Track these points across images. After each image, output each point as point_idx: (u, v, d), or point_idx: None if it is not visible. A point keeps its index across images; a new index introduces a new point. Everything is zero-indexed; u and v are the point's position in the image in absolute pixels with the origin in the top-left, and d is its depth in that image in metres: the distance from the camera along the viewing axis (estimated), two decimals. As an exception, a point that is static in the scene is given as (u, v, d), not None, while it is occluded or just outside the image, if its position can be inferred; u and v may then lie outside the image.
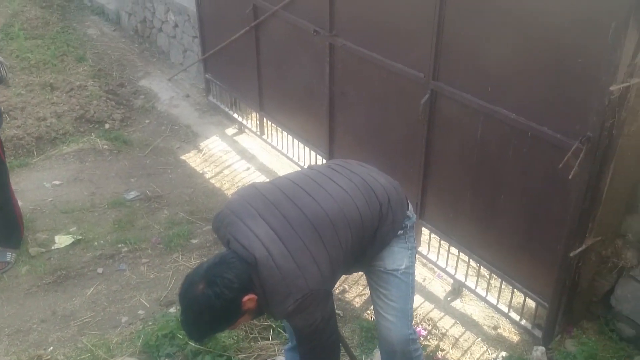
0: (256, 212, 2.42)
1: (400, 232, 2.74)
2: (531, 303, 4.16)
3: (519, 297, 4.23)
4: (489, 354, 4.09)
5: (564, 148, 3.43)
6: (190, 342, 3.60)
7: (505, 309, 4.28)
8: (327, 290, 2.43)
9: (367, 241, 2.61)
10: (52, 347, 4.08)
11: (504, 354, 4.01)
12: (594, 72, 3.19)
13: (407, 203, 2.82)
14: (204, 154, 6.65)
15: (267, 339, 3.89)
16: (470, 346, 4.19)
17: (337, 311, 3.85)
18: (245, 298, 2.31)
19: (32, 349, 4.03)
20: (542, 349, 3.91)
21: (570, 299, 3.95)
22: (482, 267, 4.39)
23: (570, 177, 3.38)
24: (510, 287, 4.21)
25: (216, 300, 2.23)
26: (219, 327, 2.45)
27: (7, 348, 4.08)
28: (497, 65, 3.74)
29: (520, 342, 4.18)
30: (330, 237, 2.42)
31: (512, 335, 4.27)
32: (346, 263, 2.55)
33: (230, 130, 7.07)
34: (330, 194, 2.52)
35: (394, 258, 2.70)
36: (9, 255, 4.89)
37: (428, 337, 4.22)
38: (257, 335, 3.91)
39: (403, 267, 2.71)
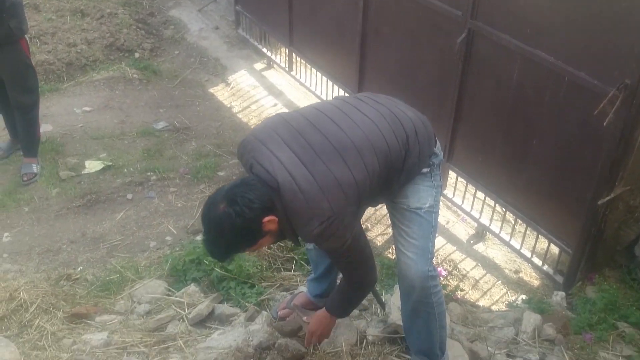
0: (280, 139, 2.41)
1: (426, 169, 2.69)
2: (555, 249, 4.16)
3: (542, 243, 4.23)
4: (508, 296, 4.14)
5: (600, 94, 3.36)
6: (215, 268, 3.69)
7: (528, 254, 4.30)
8: (353, 212, 2.40)
9: (395, 172, 2.54)
10: (81, 267, 4.20)
11: (523, 296, 4.05)
12: (638, 17, 3.09)
13: (435, 139, 2.77)
14: (232, 87, 6.63)
15: (290, 270, 3.96)
16: (490, 288, 4.24)
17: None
18: (266, 219, 2.30)
19: (62, 268, 4.15)
20: (562, 294, 3.94)
21: (595, 246, 3.95)
22: (507, 212, 4.39)
23: (604, 124, 3.32)
24: (535, 233, 4.21)
25: (237, 218, 2.24)
26: (240, 247, 2.43)
27: (38, 266, 4.22)
28: (538, 6, 3.63)
29: (540, 287, 4.21)
30: (355, 162, 2.38)
31: (533, 279, 4.30)
32: (372, 191, 2.49)
33: (258, 65, 7.02)
34: (355, 122, 2.50)
35: (419, 196, 2.67)
36: (35, 167, 5.06)
37: (448, 278, 4.27)
38: (280, 266, 3.99)
39: (427, 205, 2.66)
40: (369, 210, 4.51)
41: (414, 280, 2.61)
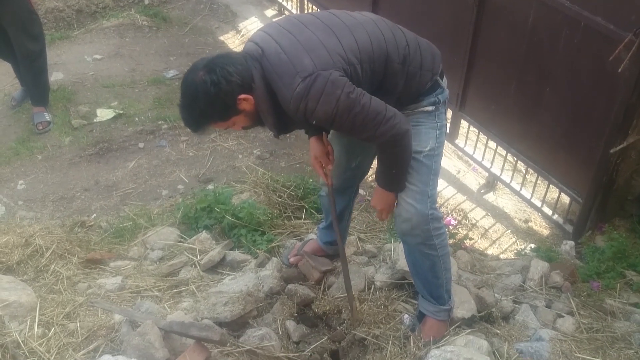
0: (277, 24, 2.45)
1: (430, 107, 2.60)
2: (565, 199, 4.16)
3: (553, 193, 4.23)
4: (517, 245, 4.16)
5: (616, 40, 3.28)
6: (226, 216, 3.73)
7: (539, 204, 4.30)
8: (342, 70, 2.29)
9: (394, 70, 2.45)
10: (95, 214, 4.27)
11: (532, 245, 4.07)
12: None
13: (442, 69, 2.66)
14: (243, 35, 6.56)
15: (300, 218, 3.99)
16: (500, 237, 4.26)
17: (360, 191, 3.88)
18: (242, 96, 2.30)
19: (76, 215, 4.23)
20: (571, 243, 3.95)
21: (605, 196, 3.94)
22: (519, 162, 4.37)
23: (619, 70, 3.26)
24: (546, 183, 4.20)
25: (211, 87, 2.23)
26: (211, 117, 2.37)
27: (52, 213, 4.29)
28: (555, -52, 3.53)
29: (550, 236, 4.23)
30: (344, 33, 2.37)
31: (542, 229, 4.32)
32: (367, 77, 2.40)
33: (269, 12, 6.92)
34: (353, 15, 2.50)
35: (419, 139, 2.58)
36: (47, 115, 5.11)
37: (457, 227, 4.29)
38: (291, 214, 4.02)
39: (427, 149, 2.59)
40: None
41: (415, 224, 2.60)
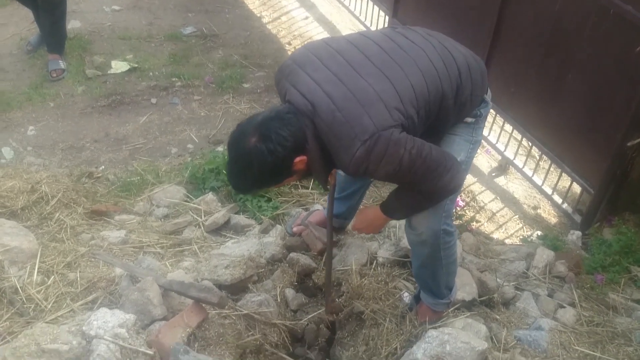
0: (318, 60, 2.22)
1: (471, 119, 2.46)
2: (576, 188, 4.10)
3: (565, 181, 4.17)
4: (523, 232, 4.12)
5: (645, 31, 3.21)
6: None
7: (549, 191, 4.25)
8: (401, 126, 2.13)
9: (447, 107, 2.29)
10: (103, 167, 4.26)
11: (539, 232, 4.03)
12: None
13: (487, 85, 2.51)
14: (262, -6, 6.46)
15: (307, 188, 3.96)
16: (507, 222, 4.22)
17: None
18: (297, 159, 2.14)
19: (84, 166, 4.21)
20: (578, 233, 3.91)
21: (618, 188, 3.88)
22: (533, 147, 4.31)
23: (646, 62, 3.19)
24: (559, 170, 4.14)
25: (268, 156, 2.07)
26: (265, 184, 2.30)
27: (61, 162, 4.28)
28: None
29: (557, 225, 4.18)
30: (399, 77, 2.17)
31: (550, 217, 4.27)
32: (422, 121, 2.23)
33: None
34: (401, 46, 2.28)
35: (452, 149, 2.43)
36: (61, 63, 5.07)
37: (465, 208, 4.25)
38: (298, 182, 3.99)
39: (462, 156, 2.44)
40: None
41: (425, 238, 2.50)
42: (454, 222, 2.74)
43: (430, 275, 2.66)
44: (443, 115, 2.31)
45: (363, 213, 2.72)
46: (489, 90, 2.54)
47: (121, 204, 3.81)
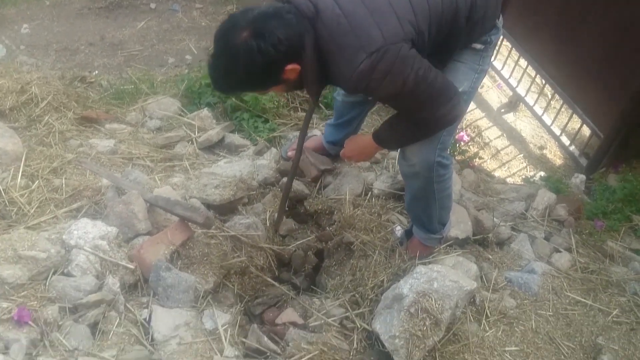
0: None
1: (480, 45, 2.26)
2: (586, 131, 3.96)
3: (575, 123, 4.02)
4: (527, 171, 4.01)
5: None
6: (230, 97, 3.56)
7: (558, 132, 4.10)
8: (411, 42, 1.95)
9: (459, 28, 2.11)
10: (97, 72, 4.10)
11: (542, 174, 3.92)
12: None
13: (500, 10, 2.29)
14: None
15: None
16: (510, 160, 4.10)
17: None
18: (289, 67, 1.94)
19: (77, 69, 4.05)
20: (582, 177, 3.80)
21: (629, 134, 3.74)
22: (547, 86, 4.12)
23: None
24: (570, 112, 3.98)
25: (258, 55, 1.86)
26: (248, 87, 2.10)
27: (53, 63, 4.11)
28: None
29: (562, 167, 4.06)
30: None
31: (556, 158, 4.14)
32: (431, 35, 2.03)
33: None
34: None
35: (455, 78, 2.23)
36: None
37: (469, 144, 4.12)
38: (298, 105, 3.83)
39: (459, 89, 2.22)
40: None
41: (418, 169, 2.37)
42: (456, 157, 2.62)
43: (422, 208, 2.56)
44: (454, 33, 2.12)
45: (353, 141, 2.57)
46: (501, 16, 2.34)
47: (113, 112, 3.67)
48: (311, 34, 1.93)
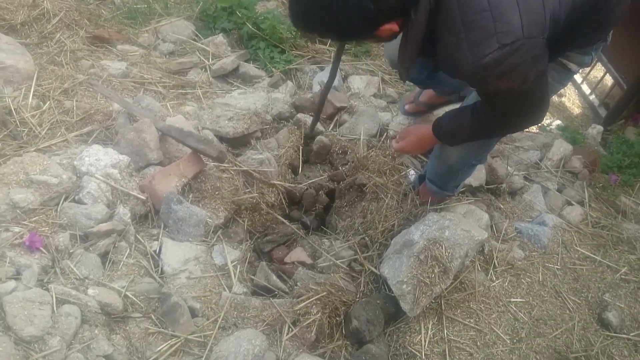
0: None
1: (575, 67, 2.00)
2: (608, 81, 3.86)
3: (598, 72, 3.91)
4: (544, 119, 3.93)
5: None
6: (247, 23, 3.44)
7: (579, 79, 4.00)
8: (545, 39, 1.68)
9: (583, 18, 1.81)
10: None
11: (559, 122, 3.84)
12: None
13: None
14: None
15: (325, 44, 3.69)
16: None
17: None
18: (387, 26, 1.64)
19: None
20: (599, 128, 3.72)
21: (652, 88, 3.65)
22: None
23: None
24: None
25: (355, 2, 1.55)
26: (330, 30, 1.69)
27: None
28: None
29: (580, 116, 3.99)
30: None
31: (574, 107, 4.06)
32: (558, 28, 1.75)
33: None
34: None
35: None
36: None
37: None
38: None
39: None
40: None
41: (451, 162, 2.30)
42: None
43: (440, 177, 2.49)
44: (576, 28, 1.82)
45: (411, 132, 2.25)
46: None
47: (125, 33, 3.56)
48: None
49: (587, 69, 3.96)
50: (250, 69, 3.35)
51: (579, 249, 2.63)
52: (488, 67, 1.61)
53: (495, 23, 1.57)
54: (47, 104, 2.79)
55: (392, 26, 1.66)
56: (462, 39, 1.61)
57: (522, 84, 1.68)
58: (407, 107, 2.95)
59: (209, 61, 3.34)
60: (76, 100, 2.85)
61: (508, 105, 1.79)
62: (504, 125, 1.94)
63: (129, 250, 2.19)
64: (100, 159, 2.34)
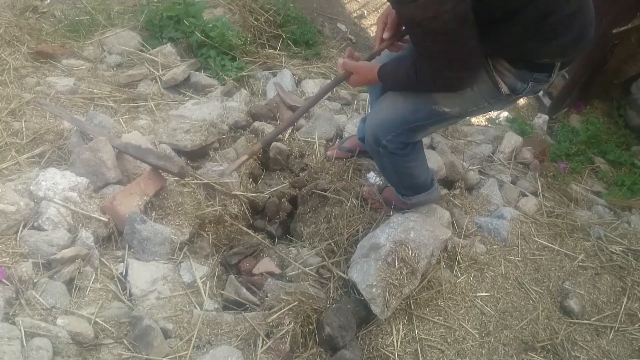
0: None
1: (506, 89, 1.97)
2: (551, 71, 3.98)
3: (540, 62, 4.03)
4: (491, 113, 4.02)
5: None
6: (195, 32, 3.39)
7: (523, 71, 4.11)
8: None
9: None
10: (49, 0, 3.82)
11: (506, 114, 3.94)
12: None
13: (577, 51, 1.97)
14: None
15: (275, 48, 3.70)
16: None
17: (349, 36, 3.57)
18: None
19: (29, -1, 3.78)
20: (545, 117, 3.85)
21: (593, 75, 3.79)
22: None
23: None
24: (536, 50, 3.98)
25: None
26: None
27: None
28: None
29: (525, 107, 4.11)
30: None
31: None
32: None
33: None
34: None
35: (463, 96, 2.01)
36: None
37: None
38: (266, 42, 3.71)
39: (448, 110, 2.06)
40: None
41: (369, 133, 2.25)
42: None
43: (386, 176, 2.51)
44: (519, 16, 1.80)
45: (362, 65, 2.19)
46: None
47: (69, 46, 3.47)
48: None
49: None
50: (202, 78, 3.32)
51: (537, 239, 2.72)
52: None
53: None
54: (-6, 127, 2.70)
55: None
56: None
57: (435, 16, 1.67)
58: (329, 152, 2.92)
59: (158, 72, 3.29)
60: (25, 121, 2.77)
61: (427, 42, 1.80)
62: (434, 72, 1.90)
63: (94, 274, 2.14)
64: (57, 183, 2.28)
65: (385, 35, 2.16)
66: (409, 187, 2.48)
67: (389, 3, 1.89)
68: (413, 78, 1.98)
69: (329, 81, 2.00)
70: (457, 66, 1.86)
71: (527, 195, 2.98)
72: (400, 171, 2.35)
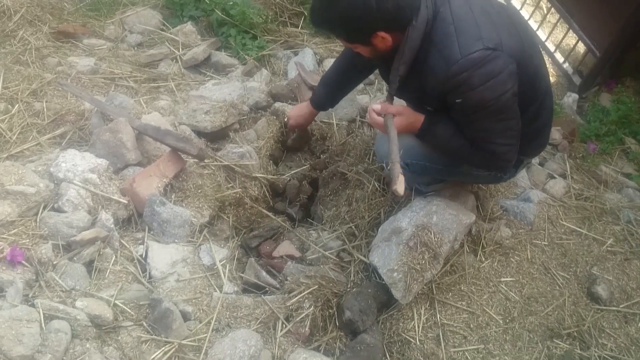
0: None
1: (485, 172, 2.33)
2: (581, 48, 3.85)
3: (570, 39, 3.90)
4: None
5: None
6: (216, 10, 3.35)
7: (552, 48, 3.99)
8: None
9: (534, 101, 2.11)
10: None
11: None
12: None
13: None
14: None
15: (297, 26, 3.62)
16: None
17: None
18: (382, 34, 1.90)
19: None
20: (575, 96, 3.73)
21: (626, 52, 3.64)
22: (543, -2, 3.98)
23: None
24: (566, 27, 3.85)
25: (358, 2, 1.82)
26: (339, 29, 1.97)
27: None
28: None
29: (555, 85, 3.97)
30: (525, 32, 2.06)
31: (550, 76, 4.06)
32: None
33: None
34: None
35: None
36: None
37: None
38: (287, 19, 3.63)
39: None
40: None
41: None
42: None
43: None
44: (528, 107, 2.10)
45: (405, 114, 2.17)
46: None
47: (90, 26, 3.46)
48: (430, 9, 1.91)
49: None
50: (223, 57, 3.27)
51: (564, 223, 2.65)
52: (473, 64, 1.83)
53: (479, 30, 1.86)
54: (15, 107, 2.70)
55: (385, 36, 1.91)
56: (454, 41, 1.86)
57: (500, 95, 1.88)
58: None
59: (179, 51, 3.26)
60: (46, 101, 2.76)
61: (493, 125, 1.99)
62: (488, 153, 2.09)
63: (114, 256, 2.14)
64: (77, 164, 2.27)
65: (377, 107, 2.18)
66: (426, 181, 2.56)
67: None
68: (458, 151, 2.14)
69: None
70: (508, 148, 2.08)
71: (555, 178, 2.90)
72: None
